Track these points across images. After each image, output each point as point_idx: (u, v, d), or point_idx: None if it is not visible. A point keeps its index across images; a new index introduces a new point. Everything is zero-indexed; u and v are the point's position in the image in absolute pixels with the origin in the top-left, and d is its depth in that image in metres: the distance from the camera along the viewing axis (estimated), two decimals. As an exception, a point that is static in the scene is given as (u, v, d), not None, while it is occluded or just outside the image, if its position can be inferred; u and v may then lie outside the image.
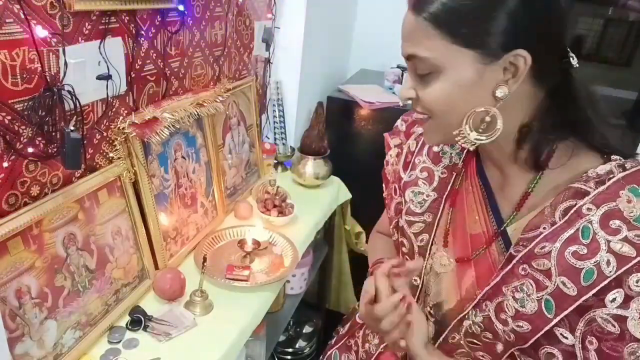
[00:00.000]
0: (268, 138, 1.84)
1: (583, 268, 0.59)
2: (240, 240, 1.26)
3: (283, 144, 1.81)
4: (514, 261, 0.65)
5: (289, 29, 1.72)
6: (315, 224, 1.49)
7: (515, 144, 0.67)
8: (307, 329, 1.88)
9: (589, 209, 0.60)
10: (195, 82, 1.31)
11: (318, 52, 1.90)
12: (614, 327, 0.57)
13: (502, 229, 0.71)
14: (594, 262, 0.58)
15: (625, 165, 0.62)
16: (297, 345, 1.81)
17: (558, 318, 0.61)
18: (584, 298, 0.59)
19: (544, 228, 0.63)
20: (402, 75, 1.99)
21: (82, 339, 0.90)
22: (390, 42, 2.39)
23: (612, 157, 0.64)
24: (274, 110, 1.80)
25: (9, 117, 0.77)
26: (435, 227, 0.81)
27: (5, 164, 0.78)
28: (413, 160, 0.86)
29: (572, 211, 0.61)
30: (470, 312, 0.70)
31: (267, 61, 1.72)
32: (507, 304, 0.65)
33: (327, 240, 1.90)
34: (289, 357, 1.79)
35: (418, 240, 0.83)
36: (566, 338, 0.61)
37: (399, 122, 0.96)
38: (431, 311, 0.82)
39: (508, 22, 0.57)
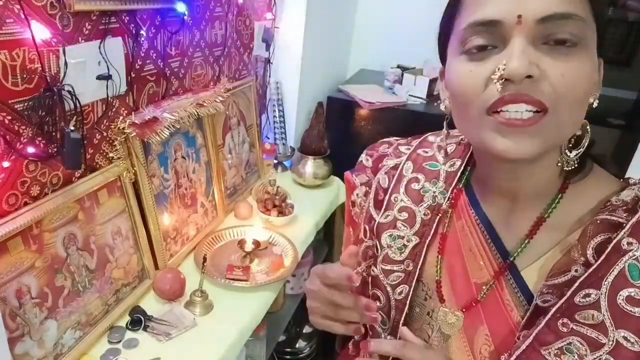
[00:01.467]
0: (268, 138, 1.84)
1: None
2: (240, 240, 1.26)
3: (283, 144, 1.81)
4: (550, 315, 0.53)
5: (289, 29, 1.72)
6: (315, 224, 1.49)
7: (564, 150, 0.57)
8: (307, 329, 1.87)
9: (629, 244, 0.51)
10: (195, 82, 1.31)
11: (318, 52, 1.90)
12: None
13: (510, 260, 0.61)
14: None
15: None
16: (297, 345, 1.81)
17: None
18: None
19: (576, 271, 0.53)
20: (402, 75, 1.98)
21: (82, 339, 0.90)
22: (390, 42, 2.41)
23: (629, 181, 0.58)
24: (274, 110, 1.80)
25: (9, 117, 0.77)
26: (415, 279, 0.69)
27: (5, 164, 0.78)
28: (388, 199, 0.73)
29: (609, 248, 0.52)
30: None
31: (267, 61, 1.72)
32: None
33: (327, 240, 1.90)
34: (289, 357, 1.79)
35: (396, 292, 0.70)
36: None
37: (363, 158, 0.85)
38: None
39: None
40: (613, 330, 0.50)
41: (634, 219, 0.52)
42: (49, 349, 0.83)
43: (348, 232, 0.86)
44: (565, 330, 0.52)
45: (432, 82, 1.91)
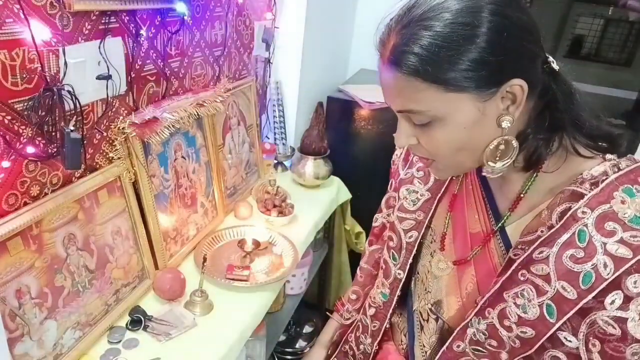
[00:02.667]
0: (268, 138, 1.84)
1: (581, 271, 0.59)
2: (240, 240, 1.26)
3: (283, 144, 1.81)
4: (514, 267, 0.65)
5: (289, 29, 1.72)
6: (315, 224, 1.49)
7: None
8: (307, 329, 1.87)
9: (584, 212, 0.60)
10: (195, 82, 1.31)
11: (318, 52, 1.90)
12: (615, 329, 0.58)
13: (498, 227, 0.72)
14: (592, 265, 0.58)
15: (620, 165, 0.62)
16: (297, 345, 1.81)
17: (560, 322, 0.61)
18: (584, 301, 0.59)
19: (542, 231, 0.63)
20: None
21: (82, 339, 0.90)
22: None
23: (607, 156, 0.65)
24: (274, 110, 1.80)
25: (9, 117, 0.77)
26: (424, 226, 0.82)
27: (5, 164, 0.78)
28: (411, 159, 0.87)
29: (568, 215, 0.61)
30: (473, 319, 0.70)
31: (267, 61, 1.72)
32: (509, 311, 0.65)
33: (327, 240, 1.90)
34: (289, 357, 1.79)
35: (407, 236, 0.84)
36: (570, 341, 0.61)
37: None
38: (432, 308, 0.82)
39: (491, 57, 0.56)
40: (555, 280, 0.60)
41: (593, 192, 0.60)
42: (48, 349, 0.83)
43: (390, 184, 1.00)
44: (522, 279, 0.63)
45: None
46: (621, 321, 0.57)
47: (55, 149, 0.86)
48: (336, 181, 1.75)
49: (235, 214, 1.43)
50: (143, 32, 1.04)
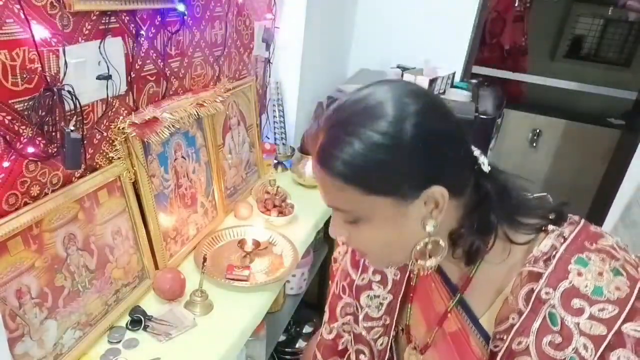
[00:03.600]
0: (268, 138, 1.84)
1: (565, 358, 0.57)
2: (240, 240, 1.26)
3: (283, 144, 1.81)
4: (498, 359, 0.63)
5: (289, 29, 1.72)
6: (315, 224, 1.49)
7: (449, 248, 0.66)
8: (307, 329, 1.88)
9: (547, 293, 0.59)
10: (195, 82, 1.31)
11: (318, 52, 1.90)
12: None
13: (453, 304, 0.70)
14: (573, 350, 0.57)
15: (564, 234, 0.62)
16: (297, 345, 1.81)
17: None
18: None
19: (513, 319, 0.62)
20: (402, 75, 1.99)
21: (82, 339, 0.90)
22: (390, 42, 2.41)
23: (549, 228, 0.64)
24: (274, 110, 1.80)
25: (9, 117, 0.77)
26: (392, 329, 0.79)
27: (5, 164, 0.78)
28: (363, 262, 0.82)
29: (532, 297, 0.60)
30: None
31: (267, 61, 1.72)
32: None
33: (327, 240, 1.90)
34: (289, 357, 1.79)
35: (377, 344, 0.81)
36: None
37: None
38: None
39: (411, 165, 0.57)
40: None
41: (548, 270, 0.60)
42: (48, 349, 0.83)
43: (330, 286, 0.93)
44: None
45: (432, 82, 1.91)
46: None
47: (55, 149, 0.86)
48: (336, 181, 1.75)
49: (235, 214, 1.43)
50: (143, 32, 1.04)
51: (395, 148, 0.56)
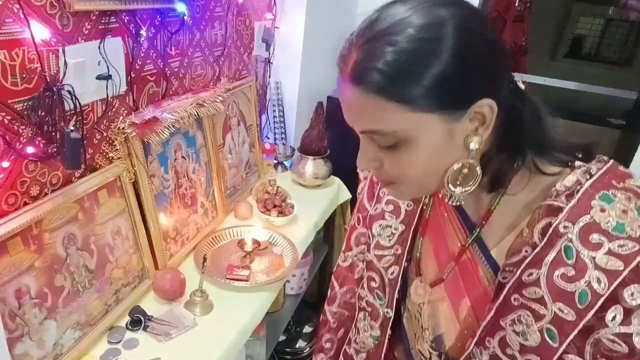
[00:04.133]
0: (268, 138, 1.83)
1: (576, 290, 0.57)
2: (240, 240, 1.26)
3: (283, 144, 1.81)
4: (505, 291, 0.62)
5: (289, 29, 1.72)
6: (315, 224, 1.49)
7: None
8: (307, 329, 1.88)
9: (565, 227, 0.58)
10: (195, 82, 1.31)
11: (318, 52, 1.90)
12: (621, 345, 0.56)
13: (471, 240, 0.69)
14: (585, 283, 0.56)
15: (591, 171, 0.60)
16: (297, 345, 1.81)
17: (564, 345, 0.58)
18: (584, 320, 0.56)
19: (526, 251, 0.61)
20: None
21: (82, 339, 0.90)
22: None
23: (576, 164, 0.62)
24: (274, 110, 1.80)
25: (9, 117, 0.77)
26: (404, 259, 0.79)
27: (5, 164, 0.78)
28: (377, 193, 0.83)
29: (549, 231, 0.59)
30: (474, 350, 0.66)
31: (267, 61, 1.72)
32: (509, 339, 0.61)
33: (327, 240, 1.90)
34: (289, 357, 1.79)
35: (388, 273, 0.81)
36: None
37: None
38: (433, 345, 0.77)
39: (458, 74, 0.54)
40: (551, 303, 0.58)
41: (570, 204, 0.58)
42: (48, 349, 0.83)
43: (354, 217, 0.96)
44: (516, 304, 0.60)
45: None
46: (626, 337, 0.55)
47: (55, 149, 0.86)
48: (336, 181, 1.75)
49: (235, 214, 1.43)
50: (143, 32, 1.04)
51: (440, 54, 0.52)
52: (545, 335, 0.58)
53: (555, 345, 0.58)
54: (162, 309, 1.03)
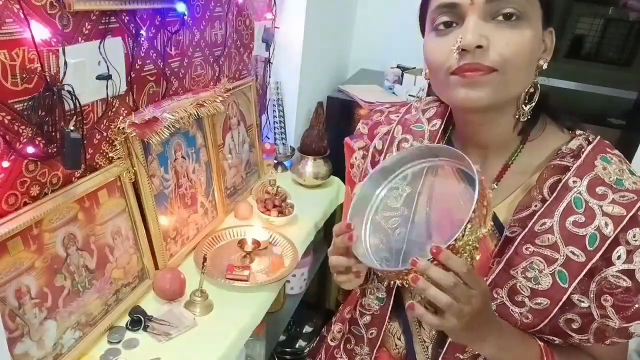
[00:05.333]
0: (268, 138, 1.83)
1: (586, 234, 0.64)
2: (240, 240, 1.26)
3: (283, 144, 1.81)
4: (516, 242, 0.67)
5: (289, 29, 1.72)
6: (315, 224, 1.49)
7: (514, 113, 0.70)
8: (307, 329, 1.88)
9: (574, 182, 0.66)
10: (195, 82, 1.31)
11: (318, 52, 1.90)
12: (625, 281, 0.63)
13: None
14: (594, 227, 0.64)
15: (589, 139, 0.69)
16: (297, 345, 1.81)
17: (573, 286, 0.64)
18: (592, 261, 0.63)
19: (536, 206, 0.67)
20: (402, 75, 1.98)
21: (82, 339, 0.90)
22: (390, 42, 2.41)
23: (577, 132, 0.71)
24: (274, 110, 1.80)
25: (9, 117, 0.77)
26: (410, 221, 0.79)
27: (5, 164, 0.78)
28: (382, 159, 0.87)
29: (559, 186, 0.66)
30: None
31: (267, 61, 1.72)
32: (520, 286, 0.67)
33: (327, 240, 1.90)
34: (289, 357, 1.79)
35: (395, 234, 0.81)
36: (582, 302, 0.65)
37: (360, 126, 0.99)
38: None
39: None
40: (563, 247, 0.65)
41: (577, 163, 0.66)
42: (48, 349, 0.83)
43: (347, 190, 0.99)
44: (528, 252, 0.66)
45: (432, 82, 1.91)
46: (629, 273, 0.63)
47: (55, 149, 0.86)
48: (336, 181, 1.75)
49: (235, 214, 1.43)
50: (143, 32, 1.04)
51: None
52: (557, 278, 0.65)
53: (564, 286, 0.65)
54: (162, 309, 1.03)
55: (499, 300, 0.69)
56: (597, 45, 3.66)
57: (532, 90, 0.67)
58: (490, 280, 0.69)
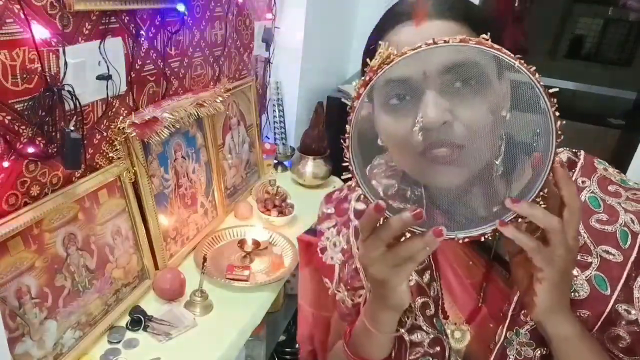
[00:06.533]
0: (268, 138, 1.84)
1: (615, 231, 0.58)
2: (240, 240, 1.26)
3: (283, 144, 1.81)
4: None
5: (289, 29, 1.72)
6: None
7: None
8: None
9: (583, 182, 0.62)
10: (195, 82, 1.31)
11: (318, 52, 1.90)
12: None
13: (495, 244, 0.63)
14: (621, 224, 0.59)
15: (574, 151, 0.66)
16: (297, 345, 1.81)
17: (616, 292, 0.57)
18: (631, 259, 0.57)
19: None
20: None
21: (82, 339, 0.90)
22: (390, 42, 2.38)
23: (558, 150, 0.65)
24: (274, 110, 1.80)
25: (9, 117, 0.77)
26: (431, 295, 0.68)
27: (5, 164, 0.78)
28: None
29: None
30: (508, 336, 0.60)
31: (267, 61, 1.72)
32: None
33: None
34: (289, 357, 1.79)
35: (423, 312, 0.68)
36: (629, 313, 0.56)
37: (322, 209, 0.86)
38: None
39: None
40: (594, 247, 0.58)
41: (578, 165, 0.63)
42: (48, 349, 0.83)
43: (329, 283, 0.78)
44: None
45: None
46: None
47: (55, 149, 0.86)
48: (336, 181, 1.75)
49: (235, 214, 1.43)
50: (143, 32, 1.04)
51: None
52: (595, 283, 0.57)
53: (606, 293, 0.57)
54: (162, 309, 1.03)
55: (530, 324, 0.59)
56: (597, 45, 3.66)
57: (499, 143, 0.55)
58: (515, 302, 0.59)
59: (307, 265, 0.86)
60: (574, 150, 0.66)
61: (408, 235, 0.52)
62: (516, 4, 3.30)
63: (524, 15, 3.39)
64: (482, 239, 0.51)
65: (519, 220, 0.49)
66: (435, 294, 0.67)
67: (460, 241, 0.51)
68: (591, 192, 0.61)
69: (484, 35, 0.47)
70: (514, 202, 0.48)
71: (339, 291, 0.77)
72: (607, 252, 0.58)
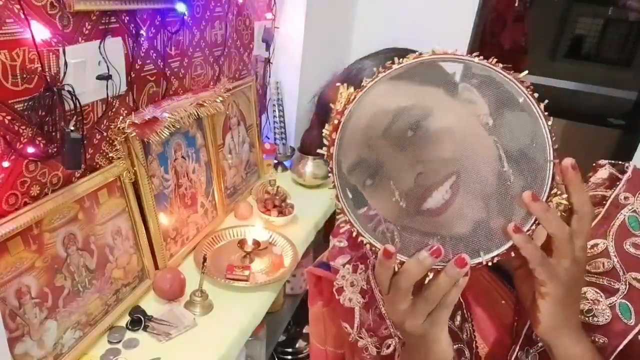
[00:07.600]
0: (268, 138, 1.84)
1: None
2: (240, 240, 1.26)
3: (283, 144, 1.81)
4: None
5: (289, 29, 1.72)
6: (315, 224, 1.49)
7: None
8: (307, 329, 1.88)
9: (626, 198, 0.56)
10: (195, 82, 1.31)
11: (318, 52, 1.90)
12: None
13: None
14: None
15: (615, 162, 0.60)
16: (297, 345, 1.81)
17: None
18: None
19: None
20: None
21: (82, 339, 0.90)
22: (390, 43, 2.38)
23: (600, 162, 0.61)
24: (274, 110, 1.80)
25: (9, 117, 0.77)
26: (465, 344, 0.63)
27: (5, 164, 0.78)
28: None
29: (607, 204, 0.56)
30: (518, 356, 0.57)
31: (267, 61, 1.72)
32: None
33: (327, 241, 1.90)
34: (289, 357, 1.79)
35: None
36: None
37: (334, 242, 0.82)
38: None
39: None
40: (624, 274, 0.53)
41: (625, 176, 0.57)
42: (48, 349, 0.83)
43: (350, 328, 0.71)
44: None
45: (432, 82, 1.91)
46: None
47: (55, 149, 0.86)
48: (336, 181, 1.75)
49: (235, 214, 1.43)
50: (143, 32, 1.04)
51: None
52: (618, 311, 0.53)
53: (629, 322, 0.52)
54: (162, 309, 1.03)
55: (540, 345, 0.56)
56: (597, 46, 3.66)
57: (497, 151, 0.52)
58: (530, 323, 0.55)
59: (318, 301, 0.79)
60: (621, 162, 0.60)
61: (431, 275, 0.47)
62: (516, 4, 3.31)
63: (524, 15, 3.39)
64: (513, 253, 0.46)
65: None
66: (469, 336, 0.62)
67: (490, 263, 0.46)
68: (632, 212, 0.55)
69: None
70: (535, 198, 0.44)
71: (361, 337, 0.69)
72: (637, 280, 0.53)
